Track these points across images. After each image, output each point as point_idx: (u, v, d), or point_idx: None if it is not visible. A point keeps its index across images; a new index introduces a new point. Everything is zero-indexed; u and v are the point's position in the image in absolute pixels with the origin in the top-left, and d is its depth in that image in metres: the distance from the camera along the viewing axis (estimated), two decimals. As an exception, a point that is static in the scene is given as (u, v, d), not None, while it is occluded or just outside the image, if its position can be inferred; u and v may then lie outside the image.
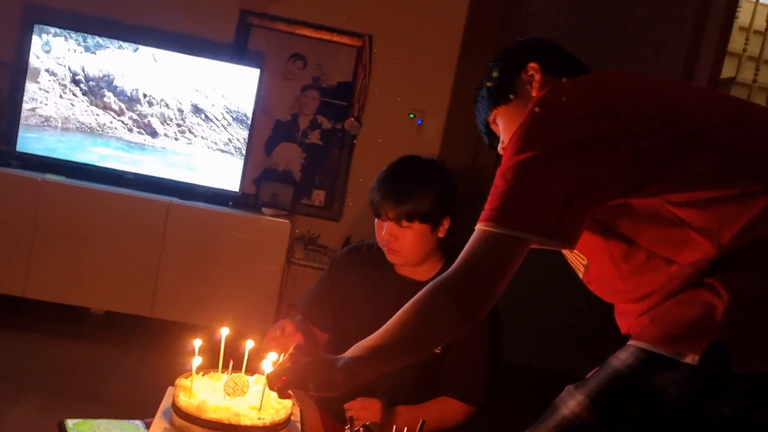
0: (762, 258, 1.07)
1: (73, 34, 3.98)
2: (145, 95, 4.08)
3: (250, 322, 3.86)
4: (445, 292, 1.24)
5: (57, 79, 4.00)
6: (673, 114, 1.18)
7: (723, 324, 1.03)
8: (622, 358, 1.10)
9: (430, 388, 1.96)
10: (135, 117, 4.08)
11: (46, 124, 4.01)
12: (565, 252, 1.31)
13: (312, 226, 4.42)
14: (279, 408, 1.50)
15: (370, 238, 2.10)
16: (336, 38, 4.34)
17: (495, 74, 1.51)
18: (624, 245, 1.18)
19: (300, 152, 4.41)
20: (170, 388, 1.55)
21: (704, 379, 1.02)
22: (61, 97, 4.01)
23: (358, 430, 1.40)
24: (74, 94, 4.03)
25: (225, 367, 1.58)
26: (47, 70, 3.99)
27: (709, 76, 4.44)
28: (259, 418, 1.44)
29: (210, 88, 4.11)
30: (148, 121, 4.09)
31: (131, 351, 3.79)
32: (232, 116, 4.14)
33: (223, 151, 4.14)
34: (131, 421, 1.75)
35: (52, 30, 3.96)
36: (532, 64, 1.45)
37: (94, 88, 4.03)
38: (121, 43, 4.02)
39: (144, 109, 4.08)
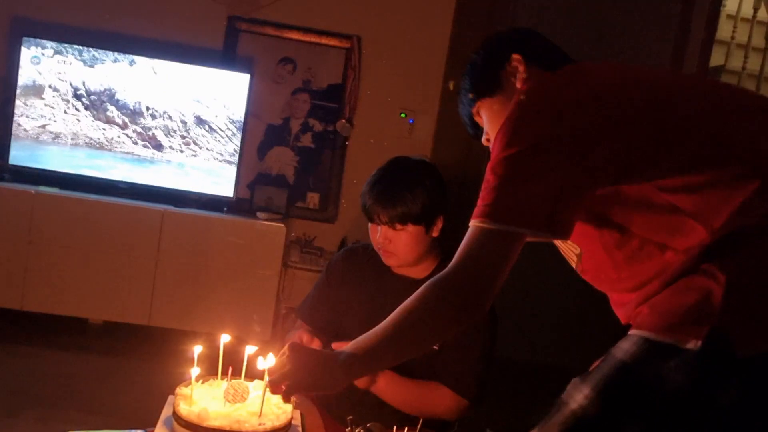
0: (755, 241, 1.07)
1: (62, 47, 3.98)
2: (134, 103, 4.07)
3: (248, 326, 3.86)
4: (443, 290, 1.24)
5: (60, 95, 4.00)
6: (659, 101, 1.18)
7: (722, 309, 1.03)
8: (624, 348, 1.10)
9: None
10: (107, 116, 4.08)
11: (57, 140, 4.02)
12: (557, 242, 1.31)
13: (307, 228, 4.42)
14: (279, 413, 1.50)
15: (365, 239, 2.11)
16: (324, 41, 4.35)
17: (478, 66, 1.50)
18: (617, 233, 1.18)
19: (293, 156, 4.42)
20: (171, 397, 1.55)
21: (708, 364, 1.02)
22: (65, 112, 4.02)
23: (359, 431, 1.41)
24: (77, 109, 4.03)
25: (224, 373, 1.58)
26: (51, 86, 3.99)
27: (698, 64, 4.45)
28: (260, 424, 1.44)
29: (200, 94, 4.11)
30: (138, 126, 4.09)
31: (131, 360, 3.79)
32: (224, 122, 4.13)
33: (217, 158, 4.14)
34: (132, 431, 1.75)
35: (42, 43, 3.96)
36: (515, 56, 1.43)
37: (82, 99, 4.03)
38: (108, 52, 4.01)
39: (134, 116, 4.08)
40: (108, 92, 4.05)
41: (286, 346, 1.39)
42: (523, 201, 1.16)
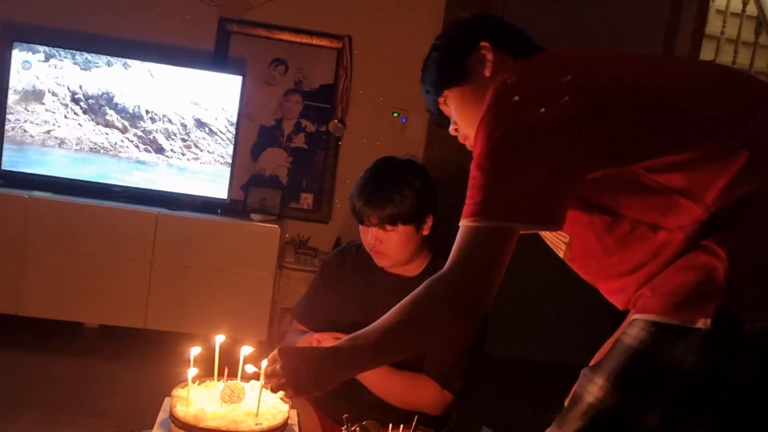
0: (751, 213, 1.06)
1: (54, 51, 3.97)
2: (131, 106, 4.07)
3: (244, 328, 3.87)
4: (442, 294, 1.22)
5: (59, 99, 4.01)
6: (640, 83, 1.17)
7: (727, 284, 1.02)
8: (632, 334, 1.08)
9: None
10: (106, 120, 4.08)
11: (62, 145, 4.03)
12: (545, 232, 1.29)
13: (302, 229, 4.43)
14: (276, 413, 1.51)
15: (359, 239, 2.12)
16: (316, 41, 4.35)
17: (443, 54, 1.47)
18: (607, 217, 1.17)
19: (286, 157, 4.42)
20: (167, 399, 1.56)
21: (719, 341, 1.01)
22: (66, 117, 4.04)
23: (355, 430, 1.42)
24: (76, 114, 4.04)
25: (220, 374, 1.59)
26: (50, 91, 3.99)
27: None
28: (257, 424, 1.45)
29: (191, 96, 4.11)
30: (138, 129, 4.09)
31: (127, 363, 3.79)
32: (214, 123, 4.14)
33: (210, 160, 4.15)
34: (130, 433, 1.75)
35: (34, 48, 3.96)
36: (483, 44, 1.40)
37: (80, 103, 4.03)
38: (99, 56, 4.02)
39: (133, 120, 4.08)
40: (105, 96, 4.04)
41: (275, 351, 1.40)
42: (514, 195, 1.14)
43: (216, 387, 1.57)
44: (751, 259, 1.04)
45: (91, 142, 4.06)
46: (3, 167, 3.97)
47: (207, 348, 1.59)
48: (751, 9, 5.34)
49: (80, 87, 4.03)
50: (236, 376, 1.56)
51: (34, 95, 3.99)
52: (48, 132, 4.01)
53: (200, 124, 4.13)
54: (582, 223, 1.20)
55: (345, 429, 1.48)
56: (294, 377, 1.37)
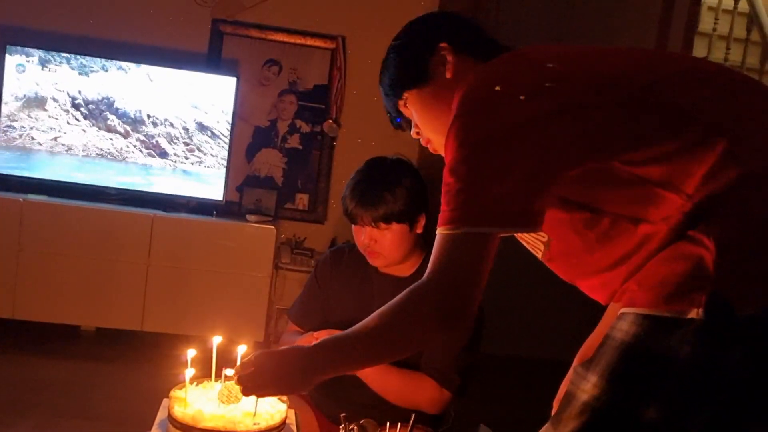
0: (734, 200, 1.05)
1: (48, 55, 3.97)
2: (126, 109, 4.07)
3: (241, 329, 3.87)
4: (421, 306, 1.20)
5: (59, 105, 4.01)
6: (613, 77, 1.16)
7: (716, 273, 1.01)
8: (623, 329, 1.07)
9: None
10: (108, 125, 4.08)
11: (69, 152, 4.04)
12: (521, 234, 1.26)
13: (297, 230, 4.43)
14: (274, 413, 1.52)
15: (354, 239, 2.12)
16: (309, 42, 4.36)
17: (402, 55, 1.43)
18: (587, 214, 1.14)
19: (281, 157, 4.42)
20: (165, 400, 1.56)
21: (713, 331, 1.00)
22: (68, 123, 4.04)
23: (352, 429, 1.42)
24: (77, 119, 4.04)
25: (218, 375, 1.59)
26: (52, 98, 4.00)
27: (681, 57, 4.47)
28: (255, 424, 1.46)
29: (185, 98, 4.11)
30: (136, 133, 4.09)
31: (124, 366, 3.79)
32: (211, 124, 4.14)
33: (205, 161, 4.15)
34: (128, 435, 1.76)
35: (27, 51, 3.96)
36: (443, 45, 1.37)
37: (80, 108, 4.03)
38: (93, 59, 4.01)
39: (130, 123, 4.08)
40: (104, 101, 4.04)
41: (250, 356, 1.39)
42: (489, 199, 1.12)
43: (213, 388, 1.58)
44: (738, 246, 1.03)
45: (97, 147, 4.07)
46: (-3, 171, 3.97)
47: (204, 349, 1.60)
48: (743, 6, 5.37)
49: (79, 92, 4.03)
50: (233, 377, 1.56)
51: (36, 101, 3.99)
52: (55, 139, 4.02)
53: (201, 127, 4.13)
54: (561, 222, 1.18)
55: (342, 428, 1.49)
56: (270, 378, 1.36)
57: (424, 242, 2.04)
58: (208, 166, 4.15)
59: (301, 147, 4.43)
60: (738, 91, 1.18)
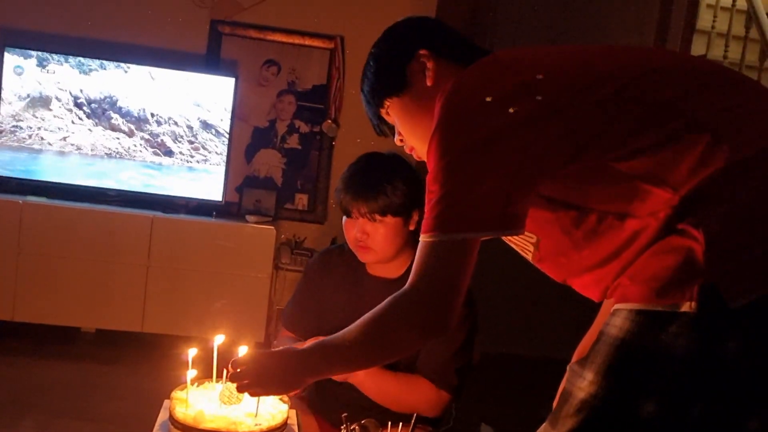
0: (721, 191, 1.05)
1: (47, 56, 3.97)
2: (127, 109, 4.07)
3: (241, 329, 3.87)
4: (402, 316, 1.22)
5: (62, 104, 4.02)
6: (593, 77, 1.15)
7: (707, 265, 1.01)
8: (617, 324, 1.07)
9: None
10: (111, 124, 4.08)
11: (78, 151, 4.05)
12: (510, 237, 1.26)
13: (297, 230, 4.43)
14: (275, 413, 1.52)
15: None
16: (308, 42, 4.36)
17: (382, 63, 1.43)
18: (573, 212, 1.14)
19: (280, 158, 4.42)
20: (166, 401, 1.56)
21: (706, 322, 1.00)
22: (73, 122, 4.05)
23: (354, 429, 1.42)
24: (80, 118, 4.04)
25: (219, 376, 1.59)
26: (56, 98, 4.00)
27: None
28: (256, 425, 1.46)
29: (184, 98, 4.11)
30: (140, 133, 4.09)
31: (125, 367, 3.79)
32: (210, 126, 4.14)
33: (205, 161, 4.15)
34: (130, 436, 1.76)
35: (26, 53, 3.96)
36: (422, 51, 1.36)
37: (83, 108, 4.03)
38: (91, 60, 4.01)
39: (123, 122, 4.08)
40: (102, 99, 4.04)
41: (241, 356, 1.42)
42: (470, 206, 1.13)
43: (215, 388, 1.58)
44: (727, 237, 1.03)
45: (104, 147, 4.07)
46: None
47: (204, 349, 1.60)
48: (741, 3, 5.36)
49: (81, 91, 4.03)
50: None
51: (39, 102, 3.99)
52: (64, 139, 4.03)
53: (204, 125, 4.13)
54: (548, 221, 1.18)
55: (344, 428, 1.49)
56: (259, 378, 1.39)
57: (414, 241, 2.03)
58: (213, 164, 4.15)
59: (300, 147, 4.43)
60: (721, 84, 1.18)
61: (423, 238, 1.17)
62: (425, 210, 1.17)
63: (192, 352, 1.54)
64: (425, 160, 1.25)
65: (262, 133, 4.41)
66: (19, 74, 3.96)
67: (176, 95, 4.10)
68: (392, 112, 1.43)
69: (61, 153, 4.03)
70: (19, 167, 4.00)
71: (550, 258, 1.25)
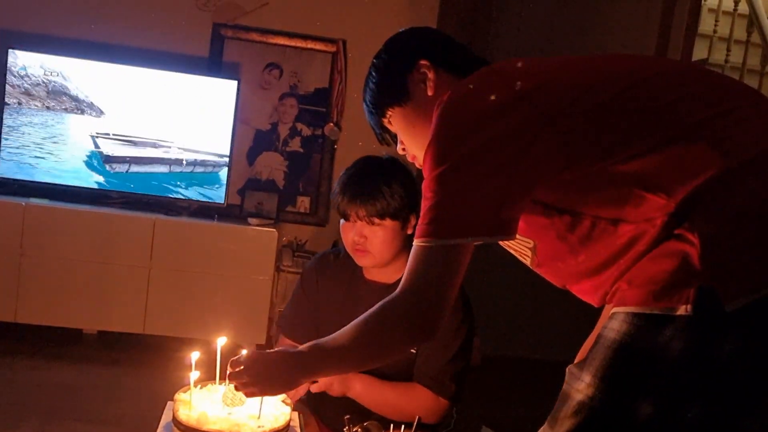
0: (716, 196, 1.06)
1: (49, 58, 3.99)
2: (127, 111, 4.09)
3: (243, 331, 3.88)
4: (394, 320, 1.26)
5: (65, 106, 4.03)
6: (586, 87, 1.17)
7: (703, 268, 1.03)
8: (615, 328, 1.09)
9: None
10: (111, 127, 4.09)
11: (81, 153, 4.07)
12: (508, 242, 1.28)
13: (299, 232, 4.44)
14: (278, 415, 1.53)
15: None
16: (310, 45, 4.37)
17: (383, 74, 1.45)
18: (567, 217, 1.16)
19: (282, 160, 4.43)
20: (170, 403, 1.57)
21: (702, 325, 1.02)
22: (75, 124, 4.07)
23: (357, 431, 1.43)
24: (79, 122, 4.05)
25: (222, 378, 1.60)
26: (59, 100, 4.01)
27: (682, 58, 4.49)
28: (259, 427, 1.47)
29: (187, 102, 4.12)
30: (134, 134, 4.10)
31: (127, 369, 3.80)
32: (212, 129, 4.15)
33: (206, 164, 4.16)
34: (132, 438, 1.77)
35: (28, 55, 3.97)
36: (422, 62, 1.39)
37: (75, 107, 4.04)
38: (94, 62, 4.03)
39: (125, 124, 4.09)
40: (102, 102, 4.06)
41: (238, 355, 1.43)
42: (463, 212, 1.15)
43: (218, 390, 1.59)
44: (722, 240, 1.05)
45: (107, 149, 4.07)
46: (0, 174, 3.98)
47: (206, 351, 1.61)
48: (743, 7, 5.38)
49: (83, 93, 4.04)
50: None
51: (43, 103, 4.00)
52: (66, 140, 4.03)
53: (199, 129, 4.14)
54: (543, 227, 1.20)
55: (346, 430, 1.49)
56: (257, 378, 1.41)
57: (411, 245, 2.03)
58: (216, 166, 4.15)
59: (302, 150, 4.44)
60: (714, 90, 1.19)
61: (416, 243, 1.20)
62: (420, 215, 1.20)
63: (195, 356, 1.55)
64: None
65: (264, 135, 4.42)
66: (22, 76, 3.97)
67: (179, 98, 4.11)
68: (394, 121, 1.45)
69: (64, 155, 4.04)
70: (22, 169, 4.01)
71: (547, 263, 1.27)
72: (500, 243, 1.26)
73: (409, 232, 1.97)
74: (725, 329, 1.02)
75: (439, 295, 1.21)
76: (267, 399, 1.52)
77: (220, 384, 1.61)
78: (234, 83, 4.14)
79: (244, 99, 4.23)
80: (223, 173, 4.17)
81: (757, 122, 1.15)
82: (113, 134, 4.09)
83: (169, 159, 4.14)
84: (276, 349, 2.10)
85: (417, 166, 1.46)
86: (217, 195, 4.17)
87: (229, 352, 1.60)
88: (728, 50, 5.32)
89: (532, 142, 1.13)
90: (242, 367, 1.41)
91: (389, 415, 1.89)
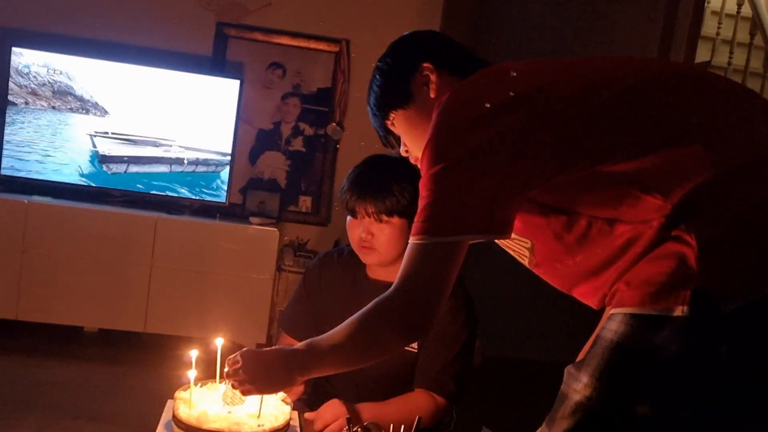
0: (713, 198, 1.07)
1: (52, 56, 3.99)
2: (129, 111, 4.09)
3: (243, 331, 3.88)
4: (387, 318, 1.27)
5: (68, 105, 4.04)
6: (583, 89, 1.18)
7: (699, 269, 1.03)
8: (612, 328, 1.09)
9: (409, 383, 1.95)
10: (113, 126, 4.10)
11: (84, 152, 4.07)
12: (506, 243, 1.30)
13: (300, 232, 4.44)
14: (278, 414, 1.53)
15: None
16: (313, 45, 4.37)
17: (386, 76, 1.47)
18: (563, 217, 1.17)
19: (284, 160, 4.44)
20: (170, 401, 1.57)
21: (698, 327, 1.02)
22: (78, 123, 4.07)
23: (357, 430, 1.43)
24: (82, 120, 4.05)
25: (222, 376, 1.60)
26: (62, 98, 4.02)
27: (684, 60, 4.49)
28: (259, 425, 1.47)
29: (190, 100, 4.12)
30: (135, 133, 4.10)
31: (128, 367, 3.80)
32: (215, 128, 4.15)
33: (208, 163, 4.16)
34: (133, 436, 1.77)
35: (31, 53, 3.98)
36: (425, 65, 1.40)
37: (86, 108, 4.05)
38: (97, 61, 4.03)
39: (128, 123, 4.10)
40: (105, 101, 4.06)
41: (236, 353, 1.43)
42: (458, 210, 1.17)
43: (218, 389, 1.59)
44: (719, 242, 1.05)
45: (109, 147, 4.08)
46: (2, 172, 3.99)
47: (206, 351, 1.61)
48: (746, 10, 5.37)
49: (86, 92, 4.04)
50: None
51: (46, 101, 4.01)
52: (69, 139, 4.03)
53: (201, 127, 4.14)
54: (540, 226, 1.21)
55: (347, 430, 1.49)
56: (253, 375, 1.42)
57: None
58: (218, 165, 4.16)
59: (304, 150, 4.44)
60: (711, 91, 1.20)
61: (412, 241, 1.22)
62: (416, 213, 1.22)
63: (194, 354, 1.55)
64: None
65: (267, 135, 4.42)
66: (26, 74, 3.97)
67: (182, 97, 4.12)
68: (397, 124, 1.46)
69: (67, 153, 4.04)
70: (25, 167, 4.01)
71: (545, 263, 1.27)
72: (498, 243, 1.27)
73: None
74: (722, 331, 1.02)
75: (433, 293, 1.22)
76: (267, 398, 1.53)
77: (220, 383, 1.61)
78: (237, 82, 4.15)
79: (247, 98, 4.24)
80: (225, 172, 4.17)
81: (754, 125, 1.15)
82: (112, 133, 4.09)
83: (171, 158, 4.14)
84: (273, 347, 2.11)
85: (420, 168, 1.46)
86: (219, 194, 4.17)
87: (230, 352, 1.60)
88: (731, 53, 5.32)
89: (528, 143, 1.14)
90: (239, 365, 1.42)
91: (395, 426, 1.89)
